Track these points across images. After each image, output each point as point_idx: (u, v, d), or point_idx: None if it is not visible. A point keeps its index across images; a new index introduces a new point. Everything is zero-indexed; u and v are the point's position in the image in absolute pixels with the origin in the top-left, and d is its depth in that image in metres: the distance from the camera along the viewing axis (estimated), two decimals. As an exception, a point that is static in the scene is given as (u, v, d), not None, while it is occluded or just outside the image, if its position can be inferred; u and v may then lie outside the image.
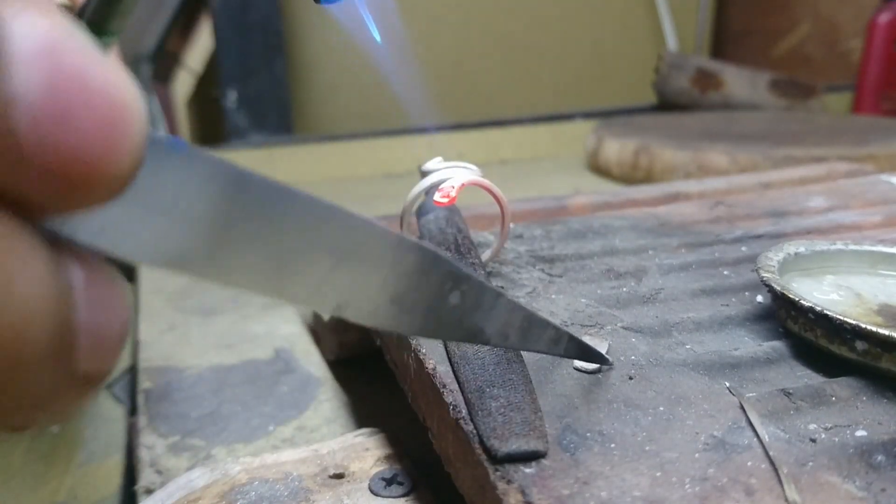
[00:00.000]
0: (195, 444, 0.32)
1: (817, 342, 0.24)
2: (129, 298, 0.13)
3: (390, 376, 0.29)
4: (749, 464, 0.19)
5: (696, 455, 0.19)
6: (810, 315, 0.24)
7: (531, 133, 1.05)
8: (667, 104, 1.14)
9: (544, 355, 0.24)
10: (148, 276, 0.53)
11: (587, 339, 0.25)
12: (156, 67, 1.07)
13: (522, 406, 0.21)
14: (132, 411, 0.38)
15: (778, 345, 0.25)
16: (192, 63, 1.15)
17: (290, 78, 1.13)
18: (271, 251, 0.13)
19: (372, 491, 0.24)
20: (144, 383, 0.37)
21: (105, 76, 0.10)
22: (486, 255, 0.32)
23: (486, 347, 0.23)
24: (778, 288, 0.25)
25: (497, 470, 0.19)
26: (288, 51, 1.13)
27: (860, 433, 0.20)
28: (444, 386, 0.23)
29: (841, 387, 0.22)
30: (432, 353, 0.24)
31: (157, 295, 0.50)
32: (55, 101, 0.10)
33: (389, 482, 0.24)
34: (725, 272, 0.32)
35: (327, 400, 0.35)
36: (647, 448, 0.20)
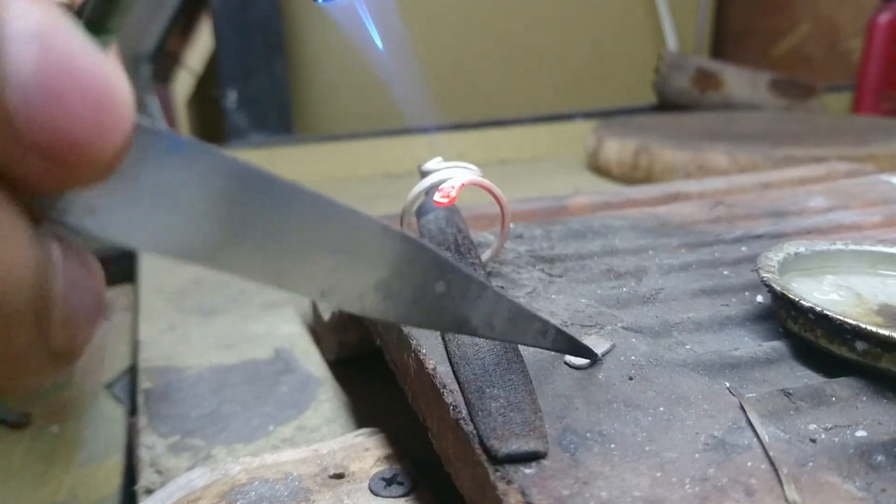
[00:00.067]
0: (195, 444, 0.32)
1: (817, 342, 0.24)
2: (104, 286, 0.14)
3: (390, 376, 0.29)
4: (749, 464, 0.19)
5: (696, 455, 0.19)
6: (810, 315, 0.24)
7: (531, 133, 1.05)
8: (667, 104, 1.14)
9: (544, 355, 0.24)
10: (148, 276, 0.53)
11: (590, 340, 0.25)
12: (156, 67, 1.07)
13: (522, 406, 0.21)
14: (132, 411, 0.38)
15: (778, 345, 0.25)
16: (192, 63, 1.15)
17: (290, 78, 1.13)
18: (258, 236, 0.14)
19: (372, 491, 0.24)
20: (144, 383, 0.37)
21: (93, 61, 0.11)
22: (486, 255, 0.32)
23: (486, 347, 0.23)
24: (778, 288, 0.25)
25: (497, 470, 0.19)
26: (288, 51, 1.13)
27: (860, 433, 0.20)
28: (445, 386, 0.23)
29: (841, 387, 0.22)
30: (432, 354, 0.24)
31: (157, 295, 0.50)
32: (46, 81, 0.10)
33: (389, 482, 0.24)
34: (725, 272, 0.32)
35: (327, 400, 0.35)
36: (647, 448, 0.20)
